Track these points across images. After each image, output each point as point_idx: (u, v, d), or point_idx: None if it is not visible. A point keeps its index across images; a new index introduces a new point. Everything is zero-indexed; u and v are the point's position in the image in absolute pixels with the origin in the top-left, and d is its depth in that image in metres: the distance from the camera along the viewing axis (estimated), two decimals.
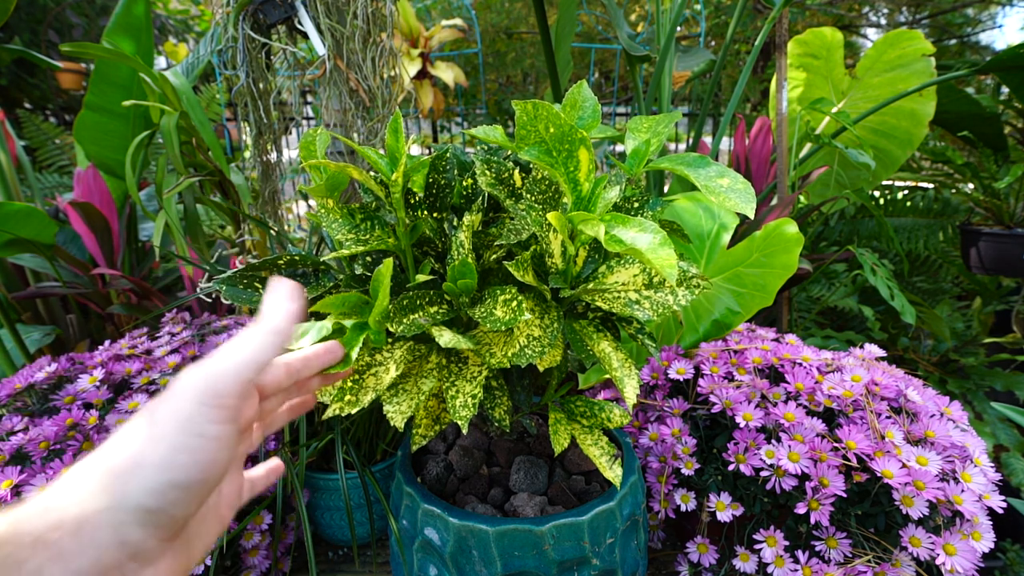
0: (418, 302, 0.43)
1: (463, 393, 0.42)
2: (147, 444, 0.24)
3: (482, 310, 0.42)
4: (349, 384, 0.42)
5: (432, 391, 0.45)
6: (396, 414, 0.40)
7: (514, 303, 0.41)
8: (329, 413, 0.41)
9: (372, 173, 0.49)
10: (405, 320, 0.41)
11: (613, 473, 0.52)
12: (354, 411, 0.41)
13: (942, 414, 0.66)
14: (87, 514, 0.22)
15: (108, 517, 0.22)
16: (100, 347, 0.78)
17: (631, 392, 0.44)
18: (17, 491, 0.55)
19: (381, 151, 0.52)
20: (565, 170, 0.39)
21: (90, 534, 0.22)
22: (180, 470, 0.24)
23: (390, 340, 0.45)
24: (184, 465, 0.24)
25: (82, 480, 0.23)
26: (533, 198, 0.45)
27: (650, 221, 0.35)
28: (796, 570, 0.59)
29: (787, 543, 0.61)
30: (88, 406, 0.66)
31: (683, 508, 0.67)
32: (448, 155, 0.51)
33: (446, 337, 0.41)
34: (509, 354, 0.42)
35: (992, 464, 0.61)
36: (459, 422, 0.41)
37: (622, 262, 0.45)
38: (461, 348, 0.41)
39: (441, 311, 0.44)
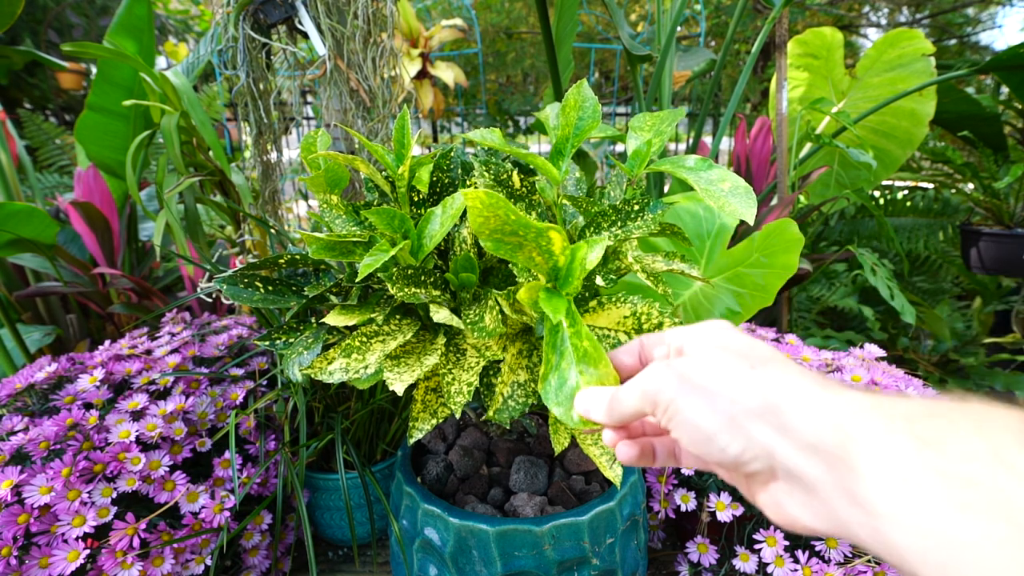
0: (423, 278, 0.44)
1: (459, 381, 0.43)
2: None
3: (475, 315, 0.43)
4: (357, 344, 0.43)
5: (434, 368, 0.45)
6: (396, 381, 0.41)
7: (496, 311, 0.41)
8: (336, 366, 0.42)
9: (379, 169, 0.49)
10: (407, 289, 0.42)
11: (613, 473, 0.51)
12: (360, 366, 0.42)
13: None
14: None
15: None
16: (100, 347, 0.78)
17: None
18: (17, 491, 0.55)
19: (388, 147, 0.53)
20: (537, 245, 0.34)
21: None
22: None
23: (397, 317, 0.45)
24: None
25: None
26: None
27: (590, 338, 0.33)
28: (796, 570, 0.59)
29: (787, 543, 0.61)
30: (88, 406, 0.66)
31: (683, 508, 0.67)
32: (452, 154, 0.51)
33: (442, 314, 0.42)
34: (492, 413, 0.43)
35: None
36: (453, 408, 0.41)
37: (613, 300, 0.44)
38: (452, 324, 0.42)
39: (443, 298, 0.45)
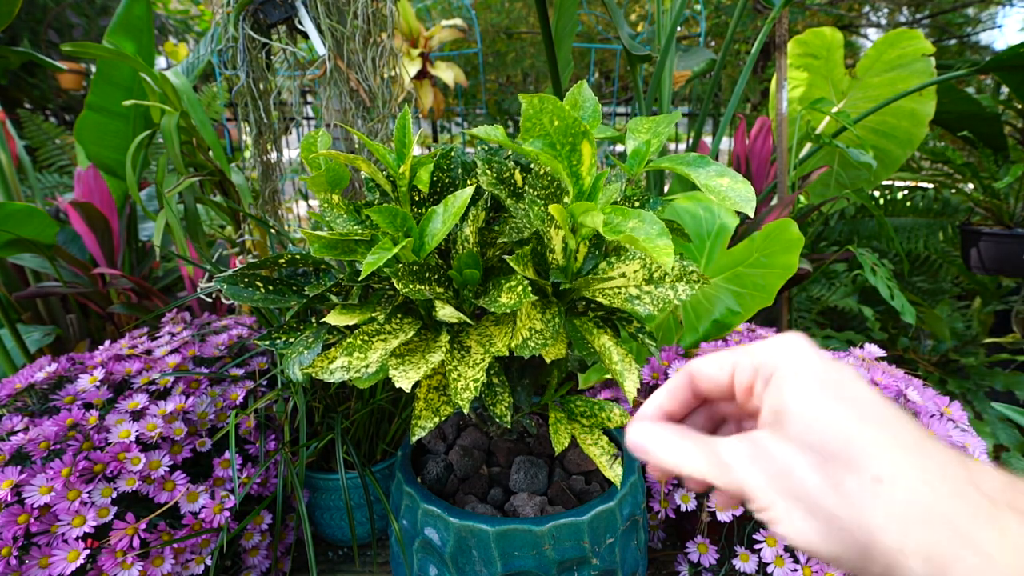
0: (427, 275, 0.44)
1: (465, 377, 0.43)
2: None
3: (487, 299, 0.43)
4: (359, 343, 0.43)
5: (438, 366, 0.45)
6: (403, 378, 0.41)
7: (519, 288, 0.42)
8: (337, 365, 0.42)
9: (380, 168, 0.49)
10: (411, 285, 0.42)
11: (613, 472, 0.52)
12: (362, 364, 0.42)
13: (942, 414, 0.66)
14: None
15: None
16: (100, 347, 0.78)
17: (631, 386, 0.44)
18: (17, 491, 0.55)
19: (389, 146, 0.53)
20: (568, 163, 0.39)
21: None
22: None
23: (399, 316, 0.46)
24: None
25: None
26: (536, 193, 0.45)
27: (649, 214, 0.36)
28: (796, 570, 0.59)
29: (787, 543, 0.61)
30: (88, 406, 0.66)
31: (683, 508, 0.67)
32: (453, 154, 0.51)
33: (447, 310, 0.42)
34: (513, 345, 0.43)
35: (992, 464, 0.61)
36: (461, 403, 0.41)
37: (622, 257, 0.45)
38: (456, 320, 0.42)
39: (446, 295, 0.45)
